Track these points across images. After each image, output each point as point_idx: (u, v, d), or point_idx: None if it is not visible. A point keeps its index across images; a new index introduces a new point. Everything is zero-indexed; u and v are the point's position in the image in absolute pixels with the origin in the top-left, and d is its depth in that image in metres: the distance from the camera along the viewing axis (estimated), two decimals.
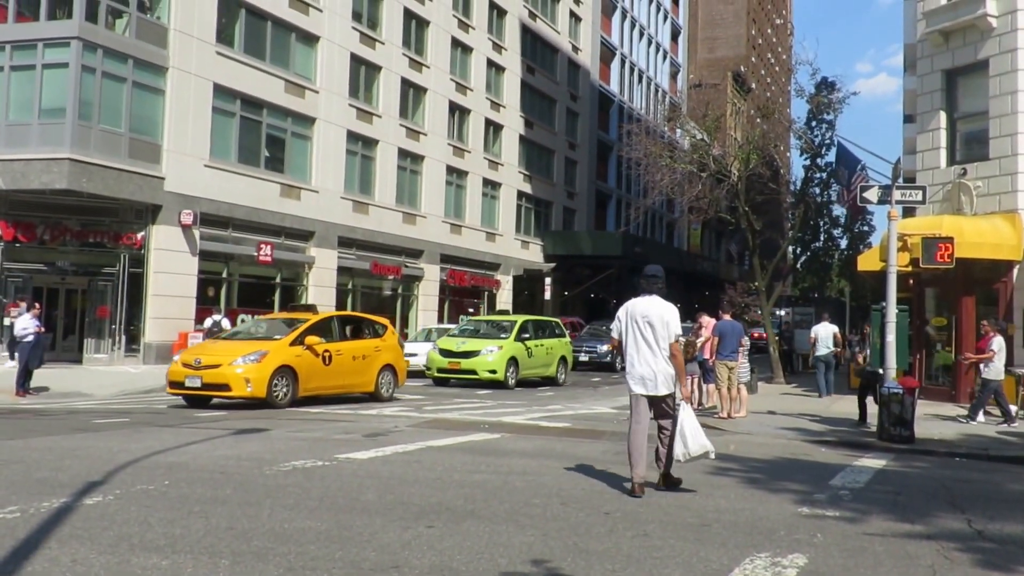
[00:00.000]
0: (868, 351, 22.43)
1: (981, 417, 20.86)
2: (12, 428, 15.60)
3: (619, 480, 11.38)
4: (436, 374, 31.70)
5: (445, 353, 31.74)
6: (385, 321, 27.77)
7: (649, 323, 10.81)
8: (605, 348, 42.06)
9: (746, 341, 22.18)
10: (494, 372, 30.67)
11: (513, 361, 31.46)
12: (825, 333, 28.65)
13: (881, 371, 18.38)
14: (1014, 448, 16.88)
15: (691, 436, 10.57)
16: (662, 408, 10.83)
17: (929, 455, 15.84)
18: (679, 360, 10.78)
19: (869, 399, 19.80)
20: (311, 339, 22.83)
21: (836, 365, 30.06)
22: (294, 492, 9.82)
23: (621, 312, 11.18)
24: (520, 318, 35.46)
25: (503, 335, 32.58)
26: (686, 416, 10.67)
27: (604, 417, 21.20)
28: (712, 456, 10.96)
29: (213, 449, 13.13)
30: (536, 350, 33.08)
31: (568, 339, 36.91)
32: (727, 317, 22.01)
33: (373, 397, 24.72)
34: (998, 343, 20.54)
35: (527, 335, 33.06)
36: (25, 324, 25.04)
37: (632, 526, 8.68)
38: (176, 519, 8.30)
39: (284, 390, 21.76)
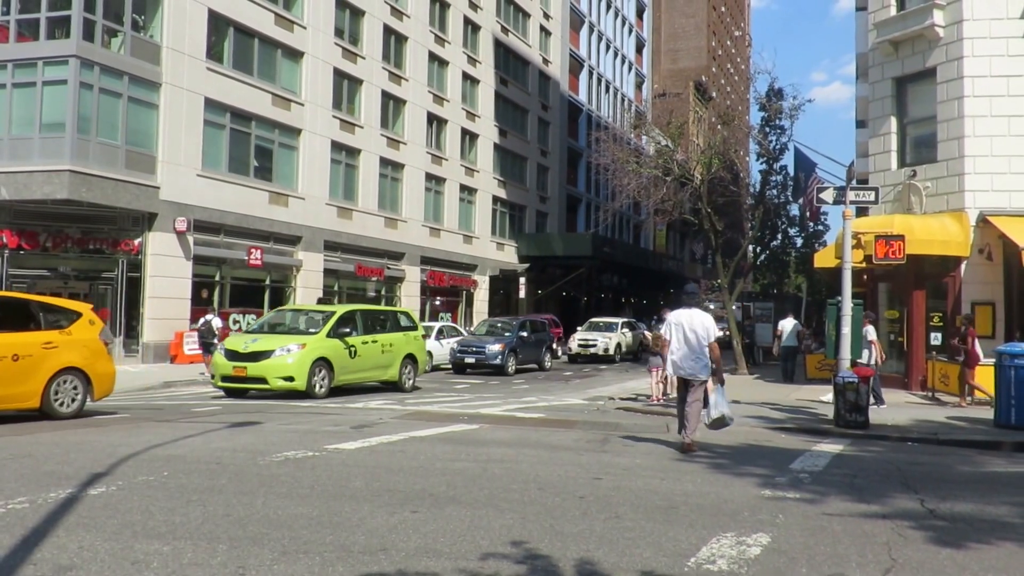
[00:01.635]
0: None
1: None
2: (20, 425, 15.52)
3: (592, 467, 11.45)
4: (221, 383, 23.58)
5: (231, 355, 23.28)
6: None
7: (693, 329, 13.56)
8: (496, 348, 35.86)
9: None
10: (291, 379, 22.51)
11: (323, 364, 23.35)
12: (790, 327, 30.12)
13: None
14: (962, 432, 17.01)
15: (714, 406, 13.50)
16: (694, 389, 13.52)
17: (883, 440, 15.93)
18: (716, 354, 13.52)
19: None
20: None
21: (796, 354, 31.04)
22: (286, 481, 9.80)
23: (671, 318, 14.00)
24: (343, 308, 27.03)
25: (312, 330, 24.67)
26: (716, 393, 13.55)
27: (576, 408, 21.23)
28: (730, 423, 13.93)
29: (209, 442, 13.09)
30: (364, 348, 25.02)
31: (420, 334, 28.60)
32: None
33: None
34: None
35: (348, 329, 24.68)
36: None
37: (604, 509, 8.70)
38: (176, 508, 8.28)
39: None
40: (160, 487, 9.30)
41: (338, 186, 46.56)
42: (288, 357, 22.70)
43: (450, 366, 37.05)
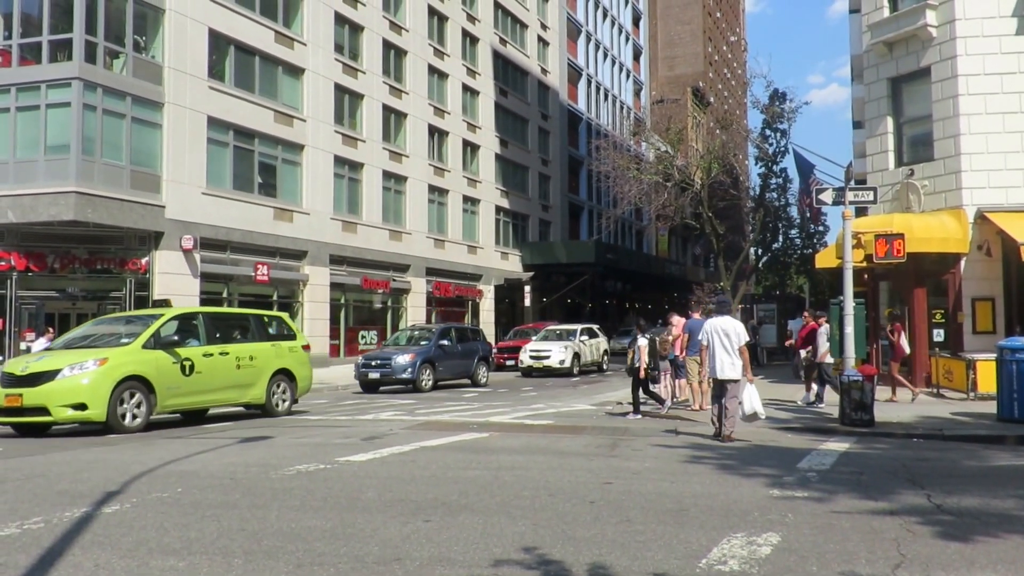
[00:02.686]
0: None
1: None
2: (33, 445, 15.53)
3: (602, 471, 11.46)
4: None
5: (6, 380, 17.18)
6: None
7: (727, 334, 15.37)
8: (406, 360, 30.04)
9: None
10: (83, 407, 16.59)
11: (137, 385, 17.33)
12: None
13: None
14: (967, 428, 16.97)
15: (747, 401, 15.14)
16: (725, 387, 15.24)
17: (889, 437, 15.90)
18: (746, 356, 15.36)
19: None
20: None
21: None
22: (299, 494, 9.81)
23: (707, 326, 15.86)
24: (175, 310, 21.41)
25: (125, 340, 18.06)
26: (749, 389, 15.25)
27: (585, 414, 21.17)
28: (762, 417, 15.64)
29: (221, 457, 13.10)
30: (208, 363, 19.00)
31: (301, 343, 22.64)
32: (696, 316, 22.04)
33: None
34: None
35: (179, 337, 18.62)
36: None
37: (615, 513, 8.70)
38: (190, 523, 8.29)
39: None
40: (174, 503, 9.31)
41: (342, 200, 46.61)
42: (82, 378, 16.74)
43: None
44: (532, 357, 38.83)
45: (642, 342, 20.00)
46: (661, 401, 20.71)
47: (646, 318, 26.45)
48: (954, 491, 9.98)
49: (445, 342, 32.40)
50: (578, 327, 42.72)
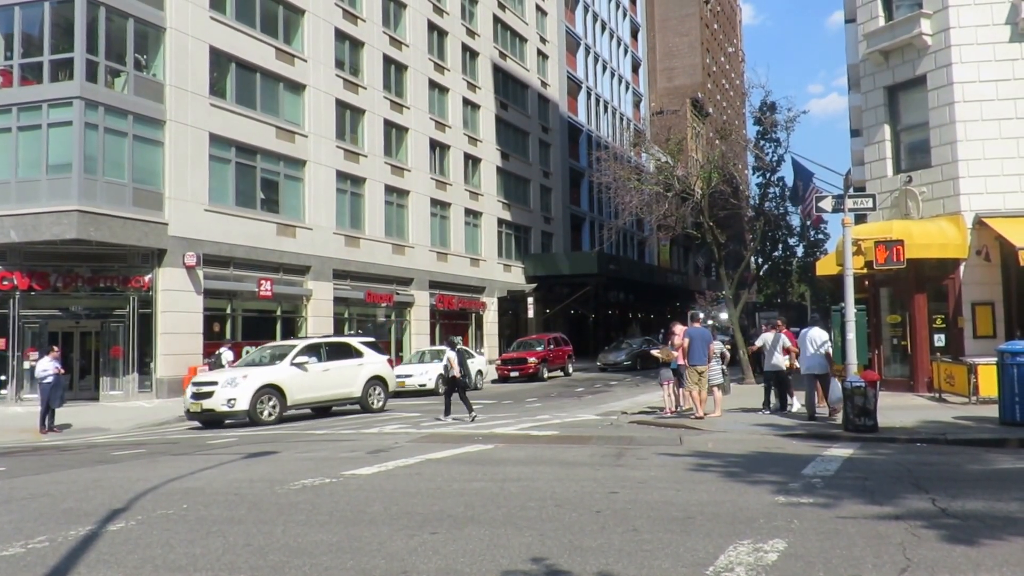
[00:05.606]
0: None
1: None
2: (38, 464, 15.52)
3: (608, 481, 11.42)
4: None
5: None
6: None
7: (812, 340, 20.00)
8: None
9: (715, 347, 21.85)
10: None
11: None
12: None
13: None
14: (969, 432, 16.92)
15: (832, 393, 19.27)
16: (820, 381, 20.28)
17: (892, 442, 15.86)
18: (830, 356, 19.83)
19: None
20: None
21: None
22: (305, 508, 9.78)
23: (803, 334, 20.58)
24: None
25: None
26: (834, 383, 19.24)
27: (590, 424, 21.16)
28: (839, 405, 18.26)
29: (226, 473, 13.07)
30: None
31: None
32: (696, 325, 22.00)
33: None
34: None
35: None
36: (45, 366, 25.03)
37: (622, 523, 8.67)
38: (196, 540, 8.26)
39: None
40: (179, 520, 9.29)
41: (344, 215, 46.64)
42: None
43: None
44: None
45: (451, 354, 23.70)
46: (470, 408, 23.34)
47: (648, 329, 27.01)
48: (958, 495, 9.95)
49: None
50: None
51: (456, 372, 23.42)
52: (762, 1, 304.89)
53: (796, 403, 21.82)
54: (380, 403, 28.80)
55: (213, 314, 37.73)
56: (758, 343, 22.61)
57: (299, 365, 26.18)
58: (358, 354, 28.82)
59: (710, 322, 44.11)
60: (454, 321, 57.53)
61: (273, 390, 25.24)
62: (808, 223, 45.12)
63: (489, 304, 60.99)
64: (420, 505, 9.84)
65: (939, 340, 25.59)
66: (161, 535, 8.51)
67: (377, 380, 28.92)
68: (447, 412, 23.47)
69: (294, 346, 27.36)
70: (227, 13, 39.64)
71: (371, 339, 31.12)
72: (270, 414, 24.92)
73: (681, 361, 21.53)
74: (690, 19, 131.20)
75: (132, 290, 34.59)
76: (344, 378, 27.74)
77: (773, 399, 22.29)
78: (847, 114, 59.95)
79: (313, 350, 27.39)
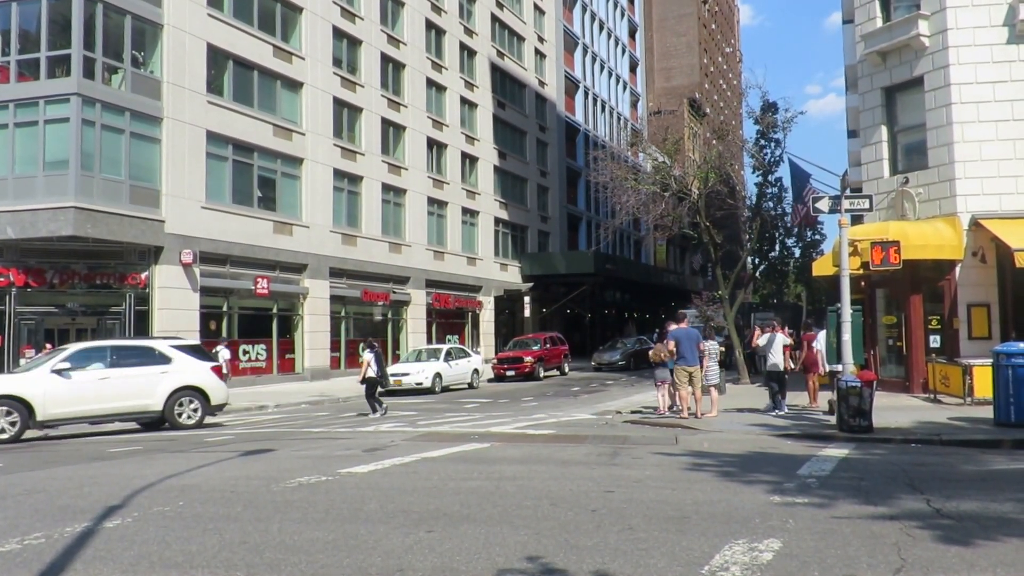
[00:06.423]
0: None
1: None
2: (34, 459, 15.52)
3: (603, 480, 11.44)
4: None
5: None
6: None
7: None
8: None
9: (705, 345, 21.71)
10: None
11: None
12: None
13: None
14: (964, 432, 16.96)
15: None
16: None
17: (887, 443, 15.90)
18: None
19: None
20: None
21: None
22: (301, 506, 9.79)
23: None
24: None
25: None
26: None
27: (585, 423, 21.15)
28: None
29: (222, 471, 13.07)
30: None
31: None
32: (684, 325, 21.95)
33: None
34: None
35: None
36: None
37: (618, 521, 8.69)
38: (192, 537, 8.27)
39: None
40: (176, 517, 9.29)
41: (341, 213, 46.64)
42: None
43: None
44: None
45: (368, 356, 26.34)
46: (375, 409, 25.53)
47: (640, 326, 27.34)
48: (953, 495, 9.98)
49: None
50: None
51: (372, 373, 26.10)
52: (760, 1, 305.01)
53: (784, 406, 21.77)
54: (194, 419, 23.21)
55: (209, 312, 37.74)
56: (760, 341, 22.50)
57: (60, 372, 21.37)
58: (163, 360, 23.23)
59: (705, 323, 44.08)
60: (450, 320, 57.63)
61: (13, 402, 20.61)
62: (804, 224, 45.08)
63: (486, 303, 61.03)
64: (416, 503, 9.85)
65: (935, 341, 25.60)
66: (157, 532, 8.51)
67: (190, 391, 23.27)
68: (373, 410, 25.62)
69: (64, 350, 22.69)
70: (225, 10, 39.63)
71: (191, 342, 26.18)
72: (2, 429, 20.38)
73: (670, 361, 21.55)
74: (688, 19, 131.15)
75: (128, 287, 34.57)
76: (133, 388, 22.43)
77: (768, 400, 22.30)
78: (844, 115, 59.93)
79: (93, 354, 22.60)
